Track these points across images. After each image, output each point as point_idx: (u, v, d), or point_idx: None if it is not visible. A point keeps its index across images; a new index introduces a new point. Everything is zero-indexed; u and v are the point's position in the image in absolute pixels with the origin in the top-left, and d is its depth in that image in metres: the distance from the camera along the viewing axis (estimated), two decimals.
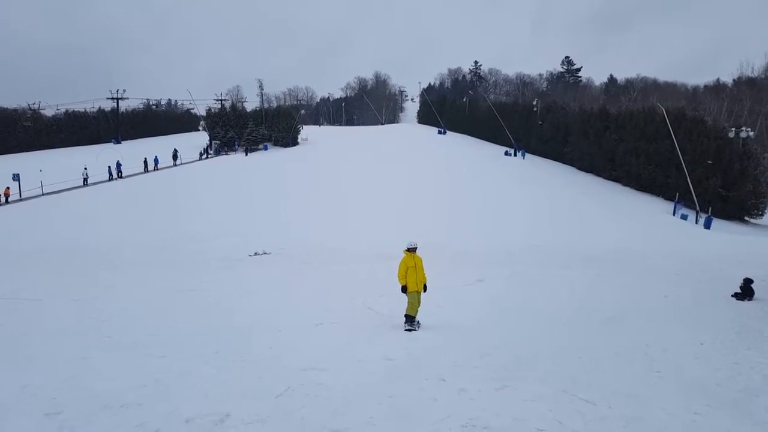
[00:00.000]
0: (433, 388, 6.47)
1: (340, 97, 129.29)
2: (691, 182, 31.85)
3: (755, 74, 68.33)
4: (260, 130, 58.88)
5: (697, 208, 31.16)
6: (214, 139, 58.80)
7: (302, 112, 79.14)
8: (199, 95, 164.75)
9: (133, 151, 49.67)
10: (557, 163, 48.01)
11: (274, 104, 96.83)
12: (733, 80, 71.87)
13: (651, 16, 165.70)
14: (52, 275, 16.47)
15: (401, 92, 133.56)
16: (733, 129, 34.72)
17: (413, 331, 9.38)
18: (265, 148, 57.52)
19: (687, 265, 18.56)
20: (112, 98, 67.89)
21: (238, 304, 12.17)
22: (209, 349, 8.02)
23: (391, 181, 36.22)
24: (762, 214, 34.86)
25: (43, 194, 35.15)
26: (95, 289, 14.12)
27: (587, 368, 7.57)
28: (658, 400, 6.30)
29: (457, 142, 59.17)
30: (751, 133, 35.50)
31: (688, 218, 30.72)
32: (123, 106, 70.71)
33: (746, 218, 34.28)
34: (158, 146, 52.86)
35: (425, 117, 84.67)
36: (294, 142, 59.55)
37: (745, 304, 12.57)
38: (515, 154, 50.94)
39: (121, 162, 42.94)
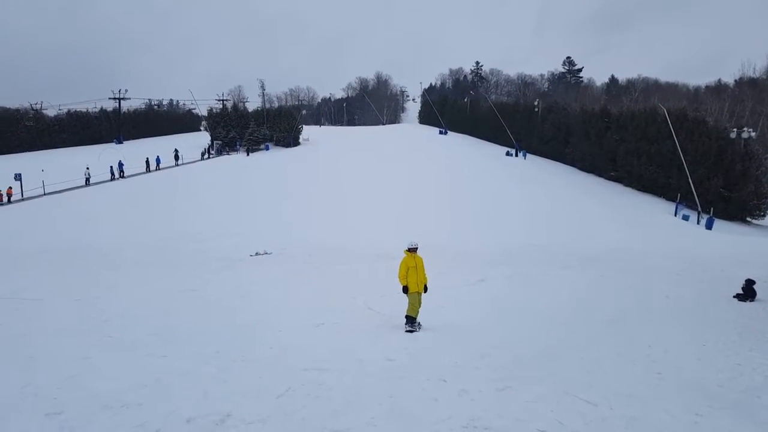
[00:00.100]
0: (434, 389, 6.46)
1: (342, 98, 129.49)
2: (693, 183, 31.81)
3: (757, 75, 68.12)
4: (262, 131, 58.93)
5: (699, 208, 31.09)
6: (216, 140, 58.87)
7: (304, 112, 79.30)
8: (200, 95, 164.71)
9: (134, 151, 49.75)
10: (558, 163, 48.02)
11: (276, 104, 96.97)
12: (735, 81, 71.78)
13: (652, 16, 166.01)
14: (53, 275, 16.47)
15: (402, 92, 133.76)
16: (735, 129, 34.64)
17: (414, 332, 9.37)
18: (267, 149, 57.59)
19: (688, 265, 18.52)
20: (114, 98, 68.01)
21: (239, 304, 12.16)
22: (210, 349, 8.01)
23: (393, 181, 36.23)
24: (764, 215, 34.77)
25: (45, 194, 35.20)
26: (96, 288, 14.11)
27: (588, 369, 7.56)
28: (659, 401, 6.29)
29: (458, 143, 59.20)
30: (753, 134, 35.42)
31: (690, 219, 30.66)
32: (125, 106, 70.96)
33: (748, 219, 34.21)
34: (160, 146, 52.96)
35: (426, 117, 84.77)
36: (295, 143, 59.61)
37: (747, 305, 12.55)
38: (516, 155, 50.95)
39: (123, 162, 43.01)
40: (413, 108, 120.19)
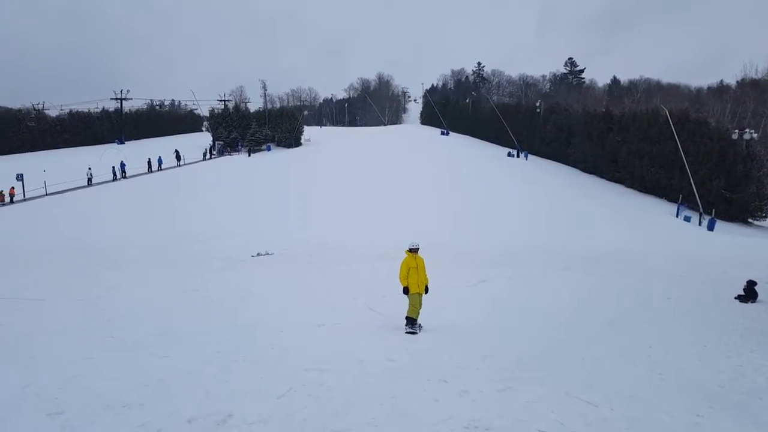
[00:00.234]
0: (435, 389, 6.46)
1: (343, 98, 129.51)
2: (695, 184, 31.78)
3: (759, 76, 68.08)
4: (263, 131, 58.98)
5: (701, 209, 31.05)
6: (218, 140, 58.92)
7: (305, 113, 79.25)
8: (202, 96, 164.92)
9: (136, 152, 49.81)
10: (560, 164, 48.03)
11: (278, 105, 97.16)
12: (737, 82, 71.75)
13: (654, 17, 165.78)
14: (55, 275, 16.50)
15: (404, 93, 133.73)
16: (737, 131, 34.61)
17: (415, 334, 9.34)
18: (268, 149, 57.64)
19: (690, 266, 18.50)
20: (116, 98, 68.04)
21: (240, 305, 12.17)
22: (211, 349, 8.02)
23: (394, 181, 36.24)
24: (766, 216, 34.69)
25: (46, 194, 35.27)
26: (98, 288, 14.14)
27: (589, 370, 7.56)
28: (660, 402, 6.29)
29: (459, 143, 59.20)
30: (755, 135, 35.37)
31: (692, 220, 30.62)
32: (126, 106, 71.00)
33: (750, 220, 34.16)
34: (161, 147, 53.03)
35: (428, 118, 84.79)
36: (297, 143, 59.64)
37: (749, 306, 12.55)
38: (518, 156, 50.93)
39: (125, 162, 43.08)
40: (415, 109, 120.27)
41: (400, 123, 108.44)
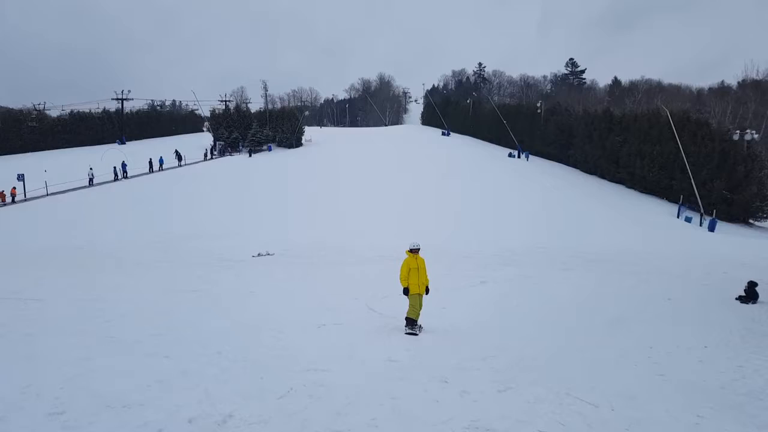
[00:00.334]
0: (435, 390, 6.46)
1: (344, 99, 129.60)
2: (696, 185, 31.75)
3: (760, 77, 68.02)
4: (264, 131, 59.01)
5: (702, 210, 31.03)
6: (219, 140, 58.96)
7: (306, 113, 79.28)
8: (203, 96, 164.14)
9: (137, 152, 49.85)
10: (561, 165, 48.01)
11: (278, 105, 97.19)
12: (738, 83, 71.69)
13: (655, 17, 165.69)
14: (55, 275, 16.50)
15: (405, 94, 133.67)
16: (738, 131, 34.58)
17: (415, 335, 9.31)
18: (269, 149, 57.67)
19: (691, 267, 18.48)
20: (117, 99, 68.10)
21: (241, 305, 12.18)
22: (212, 349, 8.02)
23: (395, 182, 36.22)
24: (767, 217, 34.67)
25: (47, 194, 35.32)
26: (99, 289, 14.14)
27: (590, 370, 7.56)
28: (661, 403, 6.28)
29: (460, 144, 59.16)
30: (756, 136, 35.36)
31: (693, 220, 30.59)
32: (128, 106, 71.04)
33: (751, 221, 34.12)
34: (163, 147, 53.10)
35: (429, 118, 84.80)
36: (298, 143, 59.66)
37: (750, 307, 12.53)
38: (519, 156, 50.91)
39: (126, 162, 43.13)
40: (416, 109, 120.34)
41: (401, 123, 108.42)
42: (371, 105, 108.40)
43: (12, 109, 66.96)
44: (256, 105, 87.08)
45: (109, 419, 5.40)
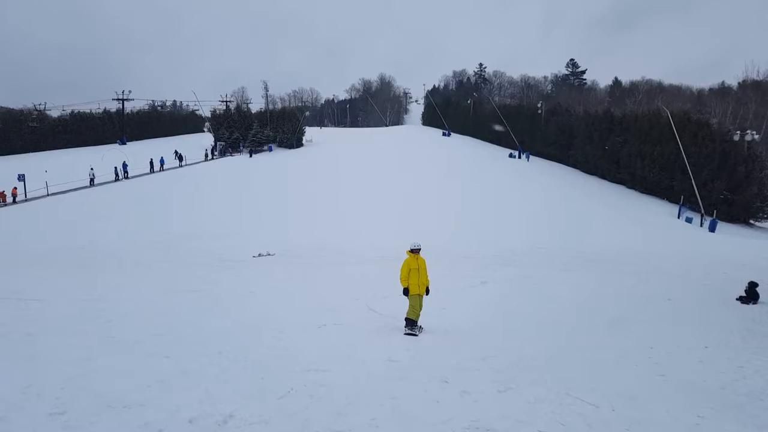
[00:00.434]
0: (435, 390, 6.47)
1: (345, 99, 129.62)
2: (696, 185, 31.73)
3: (761, 77, 68.08)
4: (265, 132, 59.03)
5: (702, 210, 31.01)
6: (219, 141, 58.98)
7: (307, 113, 79.30)
8: (203, 96, 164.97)
9: (138, 152, 49.89)
10: (562, 165, 48.01)
11: (279, 106, 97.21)
12: (739, 83, 71.69)
13: (656, 18, 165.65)
14: (56, 275, 16.52)
15: (406, 94, 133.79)
16: (739, 132, 34.57)
17: (415, 336, 9.29)
18: (270, 150, 57.69)
19: (691, 267, 18.47)
20: (118, 99, 68.11)
21: (241, 305, 12.19)
22: (213, 349, 8.03)
23: (395, 182, 36.22)
24: (767, 218, 34.66)
25: (48, 194, 35.34)
26: (100, 289, 14.15)
27: (590, 371, 7.56)
28: (661, 403, 6.28)
29: (461, 144, 59.16)
30: (757, 136, 35.33)
31: (693, 221, 30.59)
32: (128, 107, 70.99)
33: (751, 221, 34.09)
34: (163, 147, 53.13)
35: (430, 119, 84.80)
36: (298, 144, 59.68)
37: (750, 307, 12.53)
38: (519, 157, 50.90)
39: (127, 163, 43.17)
40: (416, 110, 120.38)
41: (402, 124, 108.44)
42: (372, 105, 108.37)
43: (13, 109, 66.95)
44: (256, 105, 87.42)
45: (109, 419, 5.41)
